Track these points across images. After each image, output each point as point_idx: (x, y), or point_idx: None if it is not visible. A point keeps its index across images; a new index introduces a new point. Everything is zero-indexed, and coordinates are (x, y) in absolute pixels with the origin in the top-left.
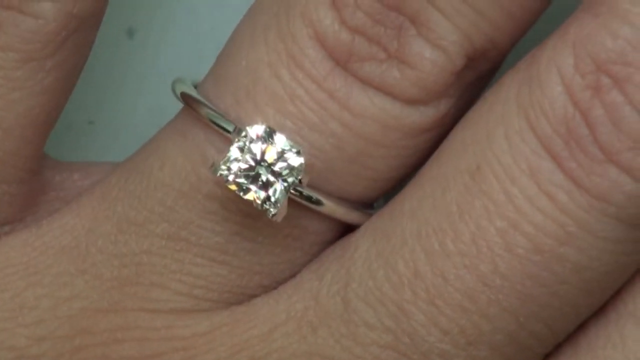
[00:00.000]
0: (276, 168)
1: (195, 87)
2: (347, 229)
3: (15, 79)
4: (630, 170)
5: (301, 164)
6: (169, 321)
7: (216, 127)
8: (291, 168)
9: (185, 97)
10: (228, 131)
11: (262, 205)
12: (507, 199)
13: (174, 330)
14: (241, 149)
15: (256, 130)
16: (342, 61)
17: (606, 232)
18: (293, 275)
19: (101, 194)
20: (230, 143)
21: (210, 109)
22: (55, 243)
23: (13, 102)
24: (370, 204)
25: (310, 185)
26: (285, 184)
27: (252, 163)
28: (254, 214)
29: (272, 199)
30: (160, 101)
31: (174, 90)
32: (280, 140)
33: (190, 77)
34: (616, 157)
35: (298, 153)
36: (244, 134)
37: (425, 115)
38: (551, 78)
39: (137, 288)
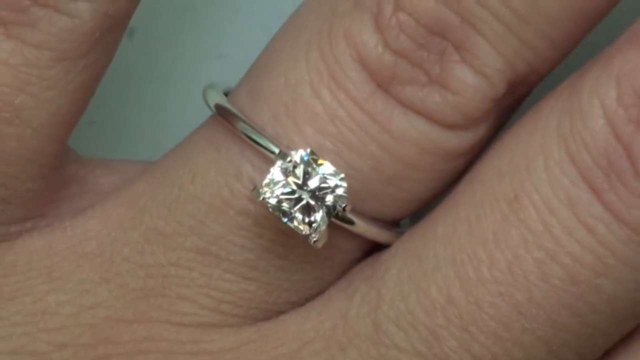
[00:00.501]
0: (319, 193)
1: (226, 94)
2: (374, 248)
3: (48, 78)
4: None
5: (345, 191)
6: (195, 335)
7: (253, 143)
8: (334, 195)
9: (220, 110)
10: (266, 148)
11: (304, 230)
12: (545, 229)
13: (200, 344)
14: (284, 172)
15: (300, 154)
16: (384, 84)
17: None
18: (320, 292)
19: (128, 201)
20: (267, 159)
21: (247, 124)
22: (79, 249)
23: (45, 101)
24: (397, 223)
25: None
26: (327, 211)
27: (295, 187)
28: (287, 231)
29: (314, 225)
30: (161, 101)
31: (206, 100)
32: (326, 168)
33: (191, 76)
34: None
35: (342, 179)
36: (289, 159)
37: (464, 140)
38: (593, 110)
39: (163, 300)
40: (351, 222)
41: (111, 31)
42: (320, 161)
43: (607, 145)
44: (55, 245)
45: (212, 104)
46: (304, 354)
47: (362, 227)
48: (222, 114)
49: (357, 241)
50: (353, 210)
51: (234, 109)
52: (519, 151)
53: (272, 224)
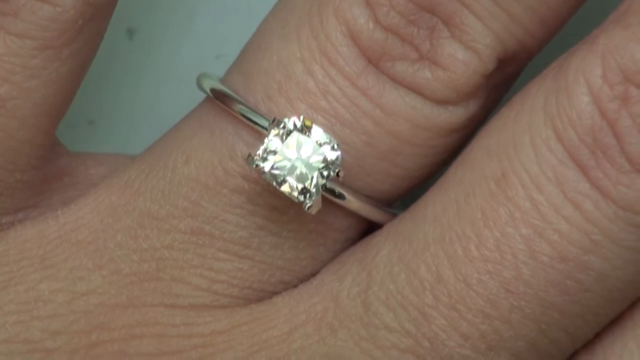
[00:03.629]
0: (312, 161)
1: (221, 81)
2: (368, 229)
3: (32, 67)
4: None
5: (338, 157)
6: (188, 317)
7: (248, 122)
8: (328, 161)
9: (215, 92)
10: (261, 125)
11: (298, 197)
12: (532, 207)
13: (193, 327)
14: (278, 140)
15: (293, 121)
16: (374, 60)
17: (631, 241)
18: (315, 272)
19: (120, 187)
20: (262, 136)
21: (242, 103)
22: (72, 236)
23: (29, 91)
24: (390, 204)
25: (339, 181)
26: (322, 177)
27: (288, 155)
28: (281, 207)
29: (309, 192)
30: (160, 101)
31: (200, 86)
32: (318, 133)
33: (191, 76)
34: None
35: (335, 147)
36: (282, 125)
37: (454, 116)
38: (579, 88)
39: (157, 283)
40: (344, 198)
41: (94, 20)
42: (313, 129)
43: (592, 122)
44: (47, 234)
45: (207, 88)
46: (295, 337)
47: (355, 203)
48: (217, 96)
49: (351, 220)
50: (346, 186)
51: (226, 89)
52: (506, 131)
53: (265, 201)
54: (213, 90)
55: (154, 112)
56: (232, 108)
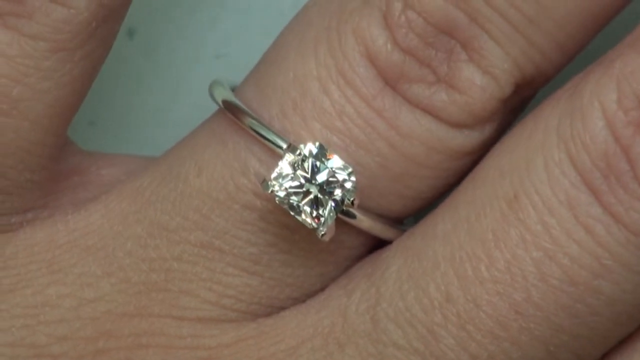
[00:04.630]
0: (327, 188)
1: (233, 90)
2: (378, 245)
3: (45, 69)
4: None
5: (354, 185)
6: (195, 330)
7: (260, 138)
8: (343, 188)
9: (227, 105)
10: (273, 142)
11: (311, 224)
12: (544, 230)
13: (199, 339)
14: (292, 166)
15: (309, 147)
16: (392, 81)
17: None
18: (324, 288)
19: (132, 195)
20: (274, 154)
21: (255, 119)
22: (81, 242)
23: (41, 93)
24: (401, 220)
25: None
26: (335, 204)
27: (303, 181)
28: (292, 226)
29: (322, 219)
30: (160, 101)
31: (212, 96)
32: (335, 161)
33: (191, 76)
34: None
35: (350, 174)
36: (298, 152)
37: (470, 139)
38: (594, 112)
39: (165, 294)
40: (355, 217)
41: (107, 22)
42: (329, 155)
43: (606, 147)
44: (57, 238)
45: (219, 99)
46: (302, 351)
47: (367, 223)
48: (229, 109)
49: (362, 238)
50: (359, 206)
51: (241, 104)
52: (519, 151)
53: (276, 219)
54: (225, 102)
55: (154, 112)
56: (245, 122)
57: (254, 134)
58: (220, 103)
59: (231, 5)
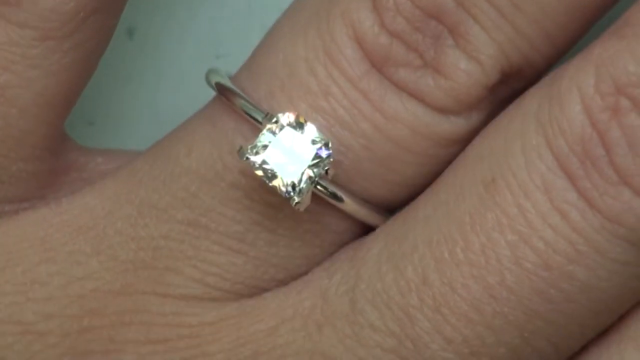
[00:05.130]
0: (303, 157)
1: (230, 78)
2: (366, 233)
3: (32, 57)
4: None
5: (329, 155)
6: (177, 307)
7: (247, 117)
8: (319, 159)
9: (219, 86)
10: (259, 121)
11: (286, 192)
12: (519, 213)
13: (181, 317)
14: (271, 134)
15: (287, 118)
16: (378, 64)
17: (616, 253)
18: (308, 272)
19: (125, 177)
20: (259, 132)
21: (243, 98)
22: (73, 222)
23: (29, 80)
24: (392, 210)
25: (336, 183)
26: (312, 174)
27: (281, 150)
28: (276, 204)
29: (297, 188)
30: (160, 101)
31: (207, 80)
32: (311, 131)
33: (191, 76)
34: (630, 179)
35: (327, 145)
36: (274, 120)
37: (455, 126)
38: (571, 97)
39: (151, 272)
40: (341, 200)
41: (97, 13)
42: (306, 127)
43: (582, 131)
44: (49, 218)
45: (212, 82)
46: (282, 331)
47: (351, 206)
48: (221, 91)
49: (348, 223)
50: (343, 188)
51: (231, 85)
52: (499, 136)
53: (261, 197)
54: (218, 84)
55: (155, 112)
56: (234, 103)
57: (242, 113)
58: (214, 85)
59: (231, 5)
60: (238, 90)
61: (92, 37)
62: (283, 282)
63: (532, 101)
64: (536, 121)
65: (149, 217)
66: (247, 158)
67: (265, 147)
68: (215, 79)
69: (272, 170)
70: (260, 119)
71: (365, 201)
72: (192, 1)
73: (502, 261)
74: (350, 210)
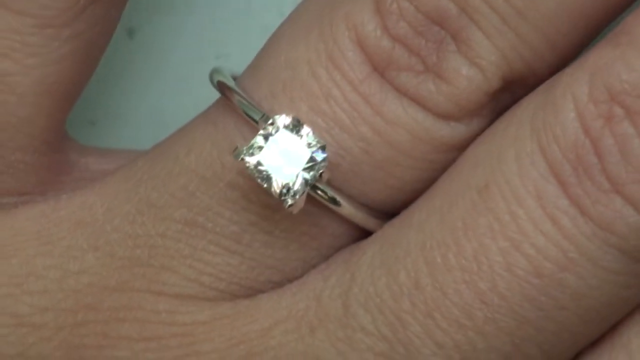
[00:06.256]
0: (298, 160)
1: (234, 79)
2: (364, 236)
3: (31, 44)
4: (635, 203)
5: (324, 159)
6: (172, 306)
7: (247, 117)
8: (314, 161)
9: (220, 86)
10: (256, 121)
11: (280, 194)
12: (511, 220)
13: (175, 315)
14: (266, 137)
15: (283, 120)
16: (380, 67)
17: (607, 261)
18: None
19: (125, 175)
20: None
21: (244, 98)
22: (72, 217)
23: (28, 68)
24: (390, 214)
25: (333, 186)
26: (306, 177)
27: (276, 152)
28: (273, 205)
29: (291, 190)
30: (161, 101)
31: (211, 79)
32: (307, 133)
33: (191, 76)
34: (622, 188)
35: (323, 148)
36: (270, 121)
37: (456, 132)
38: (565, 104)
39: (147, 269)
40: (338, 203)
41: (97, 3)
42: (302, 129)
43: (576, 139)
44: (48, 213)
45: (215, 81)
46: (275, 332)
47: (348, 209)
48: (222, 90)
49: (346, 226)
50: (341, 192)
51: (232, 85)
52: (494, 142)
53: (258, 198)
54: (220, 84)
55: (155, 112)
56: (234, 102)
57: (242, 114)
58: (216, 83)
59: (231, 5)
60: (239, 90)
61: (92, 27)
62: (279, 284)
63: (527, 108)
64: (531, 128)
65: (147, 215)
66: (243, 159)
67: (260, 148)
68: (217, 77)
69: (266, 171)
70: (257, 118)
71: (363, 205)
72: (192, 1)
73: (494, 267)
74: (348, 214)
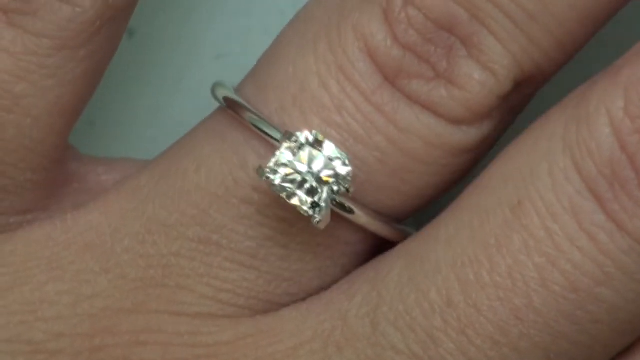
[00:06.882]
0: (323, 175)
1: (235, 90)
2: (377, 243)
3: (48, 66)
4: None
5: (349, 173)
6: (193, 326)
7: (259, 132)
8: (338, 176)
9: (228, 102)
10: (272, 137)
11: (307, 211)
12: (547, 236)
13: (197, 336)
14: (289, 153)
15: (306, 136)
16: (391, 77)
17: None
18: (321, 284)
19: (130, 192)
20: (273, 148)
21: (254, 113)
22: (80, 239)
23: (44, 90)
24: (400, 220)
25: (348, 196)
26: (331, 192)
27: (299, 169)
28: (289, 219)
29: (318, 206)
30: (161, 101)
31: (214, 94)
32: (329, 148)
33: (191, 76)
34: None
35: (346, 162)
36: (294, 139)
37: (468, 136)
38: (600, 119)
39: (163, 290)
40: (354, 213)
41: (112, 21)
42: (325, 144)
43: (612, 154)
44: (55, 236)
45: (220, 97)
46: (300, 353)
47: (364, 218)
48: (230, 105)
49: (360, 234)
50: (356, 201)
51: (241, 100)
52: (524, 158)
53: (274, 213)
54: (226, 99)
55: (155, 112)
56: (245, 118)
57: (253, 128)
58: (222, 100)
59: (231, 5)
60: (248, 106)
61: (105, 46)
62: (296, 296)
63: (558, 123)
64: (564, 143)
65: (158, 235)
66: (268, 177)
67: (284, 165)
68: (222, 92)
69: (292, 189)
70: (272, 134)
71: (377, 213)
72: (192, 1)
73: (529, 283)
74: (363, 223)
